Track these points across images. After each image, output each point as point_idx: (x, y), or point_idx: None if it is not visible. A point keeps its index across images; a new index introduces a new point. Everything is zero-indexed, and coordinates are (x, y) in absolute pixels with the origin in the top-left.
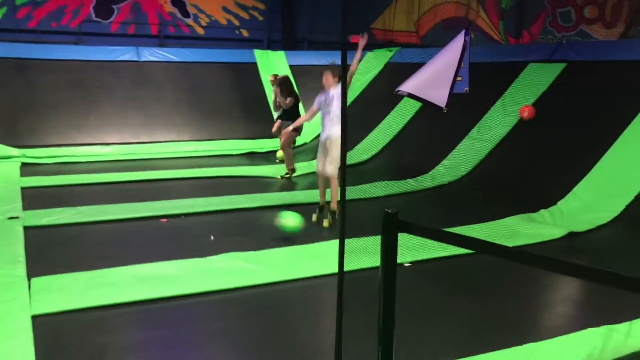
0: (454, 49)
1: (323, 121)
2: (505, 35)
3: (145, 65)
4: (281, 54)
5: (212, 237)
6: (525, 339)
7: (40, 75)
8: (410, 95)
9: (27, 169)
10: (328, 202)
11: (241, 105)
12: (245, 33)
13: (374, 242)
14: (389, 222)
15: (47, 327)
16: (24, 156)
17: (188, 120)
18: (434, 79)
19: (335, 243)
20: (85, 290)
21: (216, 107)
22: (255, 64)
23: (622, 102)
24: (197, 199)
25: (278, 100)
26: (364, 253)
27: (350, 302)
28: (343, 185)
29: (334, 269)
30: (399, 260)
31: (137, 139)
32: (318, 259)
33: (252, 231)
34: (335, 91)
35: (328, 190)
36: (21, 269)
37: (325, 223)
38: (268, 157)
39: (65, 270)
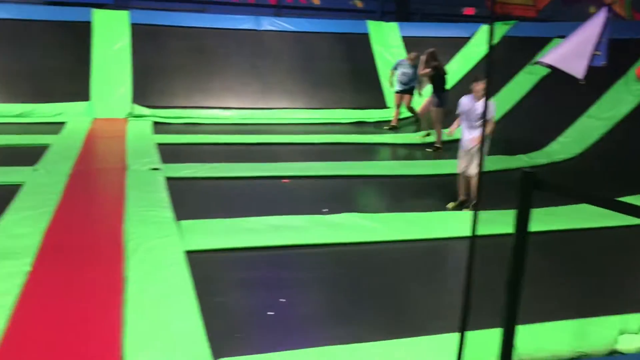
0: (595, 24)
1: (465, 125)
2: (631, 10)
3: (264, 34)
4: (394, 25)
5: (325, 210)
6: (637, 309)
7: (170, 41)
8: (550, 66)
9: (157, 127)
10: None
11: (352, 76)
12: (359, 4)
13: (488, 213)
14: (526, 181)
15: (197, 261)
16: (155, 116)
17: (301, 89)
18: (574, 52)
19: (452, 214)
20: (227, 233)
21: (328, 77)
22: (367, 35)
23: None
24: (313, 162)
25: (423, 71)
26: (464, 221)
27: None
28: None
29: (450, 233)
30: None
31: (255, 105)
32: (439, 223)
33: (364, 197)
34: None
35: None
36: (169, 213)
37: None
38: (378, 126)
39: (207, 216)
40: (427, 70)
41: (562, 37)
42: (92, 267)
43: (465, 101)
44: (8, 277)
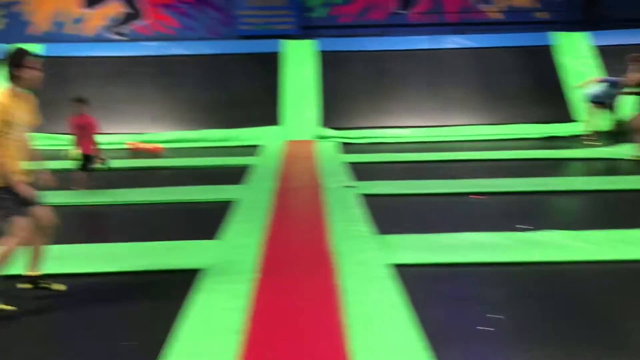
0: None
1: None
2: None
3: (442, 53)
4: (582, 35)
5: (526, 227)
6: None
7: (352, 65)
8: None
9: (344, 147)
10: None
11: (535, 89)
12: (543, 15)
13: None
14: None
15: (403, 274)
16: (340, 136)
17: (483, 105)
18: None
19: None
20: (429, 248)
21: (510, 91)
22: (551, 46)
23: None
24: (498, 179)
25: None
26: None
27: None
28: None
29: None
30: None
31: (435, 122)
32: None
33: (562, 214)
34: None
35: None
36: (370, 227)
37: None
38: (571, 140)
39: (406, 232)
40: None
41: None
42: (309, 277)
43: None
44: (240, 283)
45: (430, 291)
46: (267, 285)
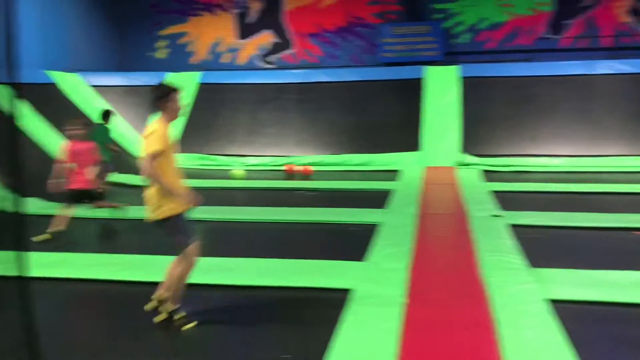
0: None
1: None
2: None
3: (596, 78)
4: None
5: None
6: None
7: (497, 91)
8: None
9: (486, 175)
10: None
11: None
12: None
13: None
14: None
15: (563, 312)
16: (483, 164)
17: None
18: None
19: None
20: (588, 285)
21: None
22: None
23: None
24: None
25: None
26: None
27: None
28: None
29: None
30: None
31: (588, 152)
32: None
33: None
34: None
35: None
36: (521, 260)
37: None
38: None
39: (560, 266)
40: None
41: None
42: (460, 306)
43: None
44: (390, 305)
45: (592, 331)
46: (417, 311)
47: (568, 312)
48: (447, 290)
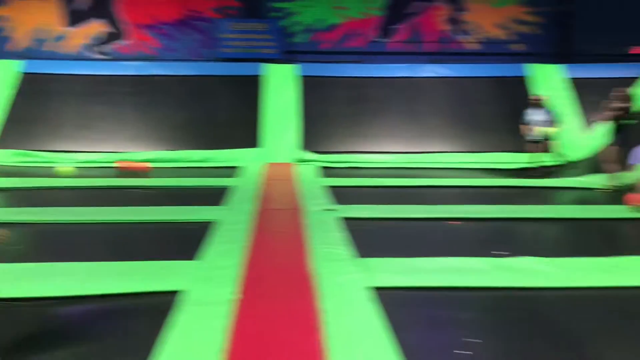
0: None
1: None
2: None
3: (421, 81)
4: (555, 67)
5: (503, 253)
6: None
7: (333, 90)
8: None
9: (324, 171)
10: None
11: (511, 119)
12: (518, 47)
13: None
14: None
15: (383, 297)
16: (320, 160)
17: (461, 132)
18: None
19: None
20: (409, 272)
21: (487, 120)
22: (527, 77)
23: None
24: (477, 205)
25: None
26: None
27: None
28: None
29: (631, 282)
30: None
31: (414, 149)
32: (616, 270)
33: (540, 240)
34: None
35: None
36: (350, 251)
37: None
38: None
39: (385, 255)
40: (616, 108)
41: None
42: (289, 298)
43: None
44: (220, 304)
45: (409, 314)
46: (247, 306)
47: (389, 298)
48: (279, 285)
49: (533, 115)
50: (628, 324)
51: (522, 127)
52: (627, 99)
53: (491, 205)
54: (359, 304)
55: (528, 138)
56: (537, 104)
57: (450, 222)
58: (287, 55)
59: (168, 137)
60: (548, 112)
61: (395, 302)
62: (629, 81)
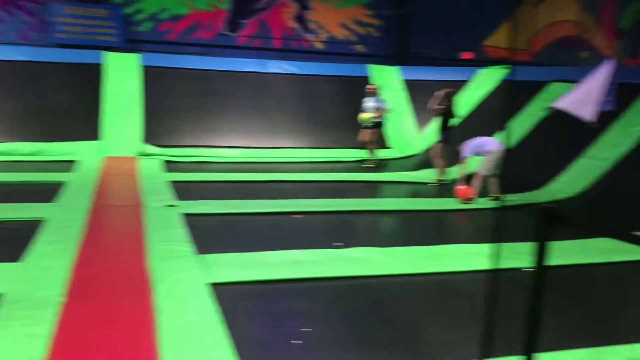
0: (602, 72)
1: None
2: (624, 55)
3: (269, 77)
4: (395, 68)
5: (340, 244)
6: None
7: (179, 82)
8: (563, 111)
9: (167, 165)
10: None
11: (354, 117)
12: (361, 48)
13: (485, 248)
14: (545, 215)
15: (221, 293)
16: (164, 154)
17: (306, 129)
18: (584, 98)
19: (454, 247)
20: (248, 266)
21: (332, 118)
22: (369, 78)
23: None
24: (320, 199)
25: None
26: (475, 255)
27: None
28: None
29: (455, 267)
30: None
31: (261, 144)
32: (443, 257)
33: (376, 232)
34: None
35: None
36: (190, 247)
37: None
38: (382, 165)
39: (226, 251)
40: (439, 107)
41: (560, 81)
42: (122, 298)
43: None
44: (44, 307)
45: (246, 308)
46: (75, 310)
47: (227, 293)
48: (112, 284)
49: (367, 102)
50: (451, 303)
51: (360, 115)
52: (447, 98)
53: (332, 199)
54: (195, 301)
55: (362, 124)
56: (371, 93)
57: (292, 216)
58: (129, 44)
59: None
60: (379, 100)
61: (233, 297)
62: (459, 83)
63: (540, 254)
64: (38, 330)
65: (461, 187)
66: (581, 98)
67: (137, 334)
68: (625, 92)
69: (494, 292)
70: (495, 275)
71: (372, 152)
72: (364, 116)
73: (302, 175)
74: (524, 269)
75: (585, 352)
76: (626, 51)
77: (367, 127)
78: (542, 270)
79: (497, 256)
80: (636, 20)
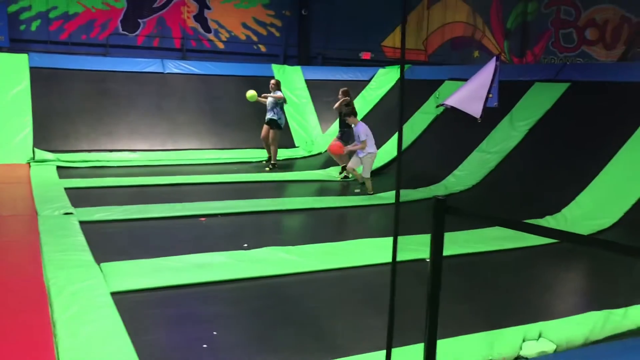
0: (487, 70)
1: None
2: (510, 54)
3: (169, 77)
4: (297, 68)
5: (245, 245)
6: (536, 319)
7: (72, 84)
8: (452, 108)
9: (62, 172)
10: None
11: (259, 117)
12: (262, 48)
13: (387, 241)
14: (438, 207)
15: (123, 302)
16: (59, 160)
17: (210, 129)
18: (471, 95)
19: (359, 242)
20: (150, 273)
21: (235, 118)
22: (272, 77)
23: (621, 120)
24: (226, 201)
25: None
26: (378, 249)
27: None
28: (397, 192)
29: (367, 261)
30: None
31: (163, 147)
32: (348, 253)
33: (283, 231)
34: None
35: None
36: (89, 256)
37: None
38: (288, 165)
39: (127, 258)
40: (339, 109)
41: (453, 79)
42: (15, 313)
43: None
44: None
45: (150, 315)
46: None
47: (130, 302)
48: (6, 299)
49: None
50: (357, 297)
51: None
52: (345, 96)
53: (238, 201)
54: (96, 312)
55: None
56: (272, 87)
57: (202, 219)
58: (16, 45)
59: None
60: (277, 93)
61: (137, 305)
62: (360, 83)
63: (436, 243)
64: None
65: (335, 142)
66: (468, 95)
67: (35, 351)
68: (512, 89)
69: (394, 283)
70: (394, 267)
71: (272, 152)
72: (249, 93)
73: (206, 177)
74: (426, 260)
75: (484, 335)
76: (513, 51)
77: (267, 125)
78: (438, 259)
79: (395, 248)
80: (519, 22)
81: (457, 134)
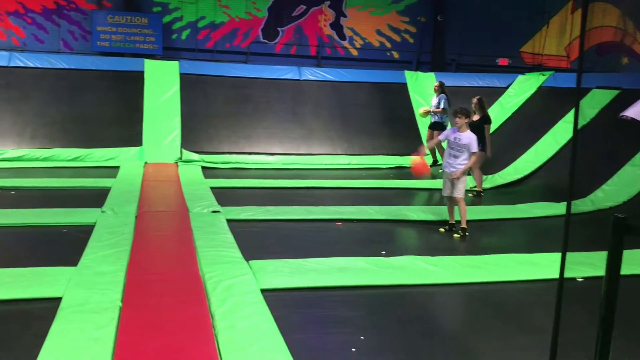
0: None
1: (448, 152)
2: None
3: (304, 84)
4: (430, 75)
5: (383, 252)
6: None
7: (216, 90)
8: (634, 120)
9: (206, 172)
10: (457, 221)
11: (390, 123)
12: (396, 55)
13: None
14: (618, 225)
15: (272, 299)
16: (203, 160)
17: (342, 135)
18: None
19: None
20: (295, 273)
21: (367, 124)
22: (404, 84)
23: None
24: (362, 206)
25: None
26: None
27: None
28: (569, 203)
29: (497, 277)
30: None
31: (297, 151)
32: (488, 266)
33: (418, 239)
34: (465, 135)
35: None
36: (238, 253)
37: (456, 235)
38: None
39: (273, 257)
40: (476, 118)
41: (601, 88)
42: (178, 303)
43: (447, 132)
44: (104, 311)
45: (298, 314)
46: (133, 314)
47: (278, 300)
48: (165, 290)
49: (433, 101)
50: (496, 312)
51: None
52: (479, 106)
53: (373, 206)
54: (249, 307)
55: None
56: (436, 90)
57: (337, 222)
58: (169, 52)
59: (38, 134)
60: (440, 98)
61: (284, 303)
62: (497, 90)
63: (613, 264)
64: (101, 334)
65: (417, 160)
66: None
67: (195, 339)
68: None
69: (560, 302)
70: (561, 285)
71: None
72: (419, 111)
73: (340, 182)
74: (578, 279)
75: None
76: None
77: (431, 129)
78: (615, 280)
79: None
80: None
81: (606, 145)
